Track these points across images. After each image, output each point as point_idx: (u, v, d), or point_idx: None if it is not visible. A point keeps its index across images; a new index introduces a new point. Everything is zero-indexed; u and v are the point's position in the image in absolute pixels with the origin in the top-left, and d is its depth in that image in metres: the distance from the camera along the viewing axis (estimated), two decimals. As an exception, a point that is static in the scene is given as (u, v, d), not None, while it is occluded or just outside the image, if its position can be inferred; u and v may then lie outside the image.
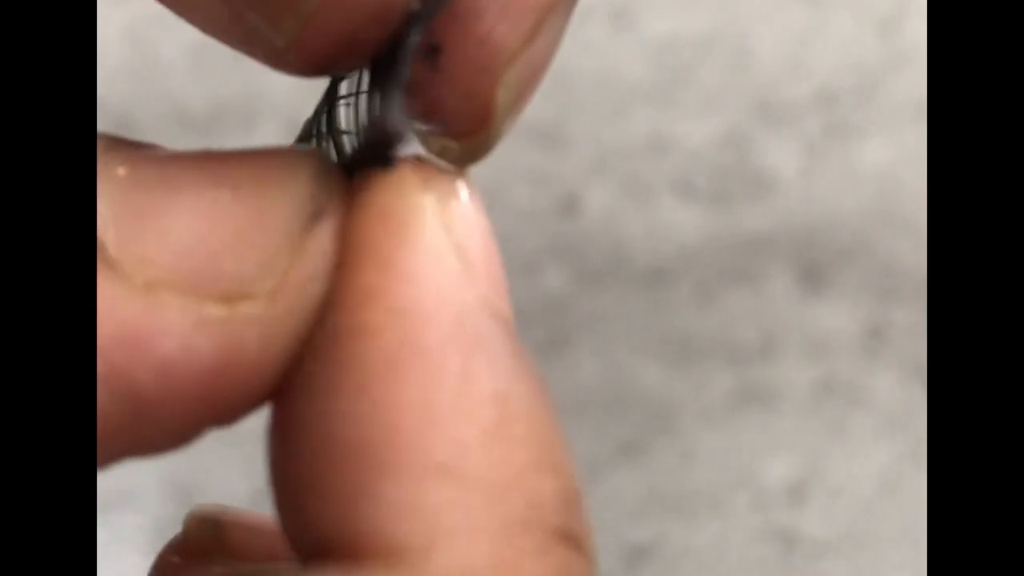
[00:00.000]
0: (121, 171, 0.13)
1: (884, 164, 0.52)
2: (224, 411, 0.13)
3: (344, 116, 0.15)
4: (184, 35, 0.51)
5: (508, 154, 0.51)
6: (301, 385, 0.13)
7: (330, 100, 0.15)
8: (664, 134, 0.51)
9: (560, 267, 0.51)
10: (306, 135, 0.16)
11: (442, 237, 0.13)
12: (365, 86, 0.14)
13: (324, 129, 0.15)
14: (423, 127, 0.14)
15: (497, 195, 0.50)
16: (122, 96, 0.49)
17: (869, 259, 0.52)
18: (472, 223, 0.14)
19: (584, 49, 0.51)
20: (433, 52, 0.13)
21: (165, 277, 0.13)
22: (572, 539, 0.13)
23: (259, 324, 0.13)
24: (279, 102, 0.50)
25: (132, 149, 0.14)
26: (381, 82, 0.14)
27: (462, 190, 0.14)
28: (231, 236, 0.13)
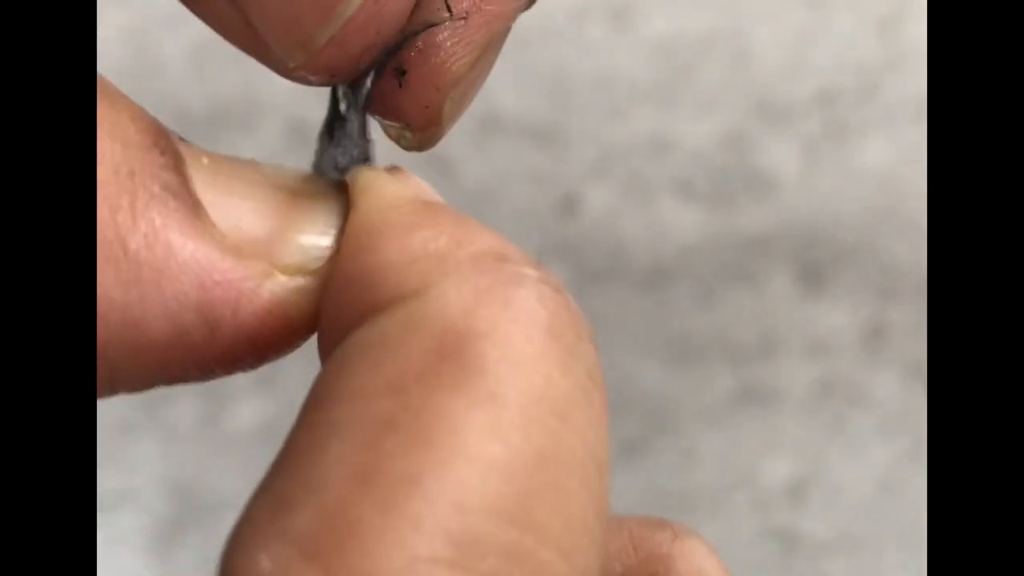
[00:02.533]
0: (205, 160, 0.18)
1: (884, 164, 0.52)
2: (270, 347, 0.18)
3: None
4: (184, 35, 0.51)
5: (508, 154, 0.51)
6: (327, 292, 0.18)
7: (333, 100, 0.20)
8: (664, 134, 0.52)
9: (560, 267, 0.51)
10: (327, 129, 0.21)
11: (402, 188, 0.18)
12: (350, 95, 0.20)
13: (330, 122, 0.20)
14: (388, 123, 0.20)
15: (497, 195, 0.50)
16: (122, 96, 0.49)
17: (869, 259, 0.52)
18: (421, 186, 0.19)
19: (584, 49, 0.51)
20: (401, 74, 0.19)
21: (247, 245, 0.18)
22: (547, 280, 0.17)
23: (307, 291, 0.18)
24: (279, 102, 0.50)
25: (198, 146, 0.18)
26: (361, 91, 0.19)
27: (411, 176, 0.19)
28: (292, 228, 0.18)
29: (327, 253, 0.18)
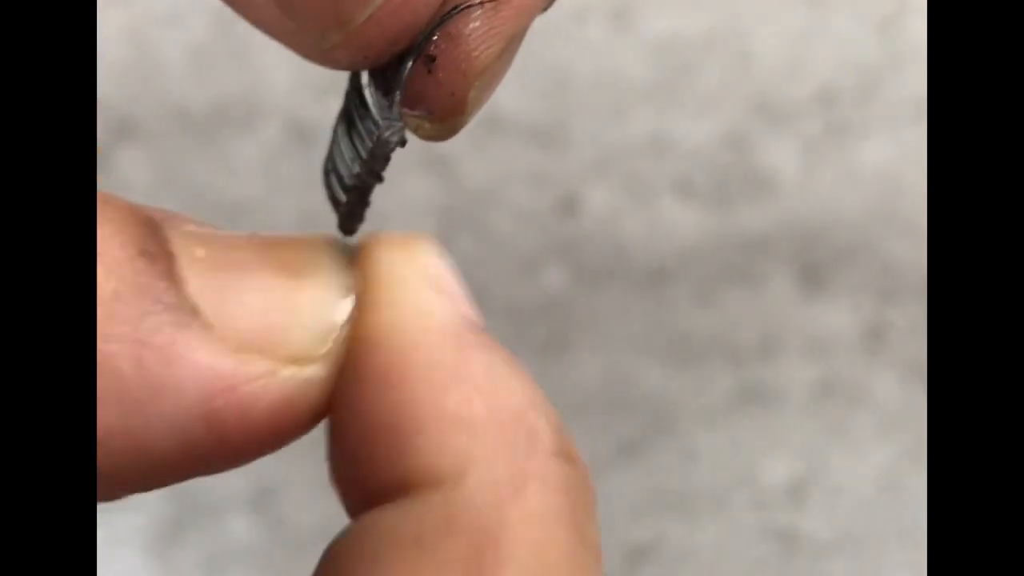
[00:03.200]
0: (200, 252, 0.17)
1: (884, 164, 0.52)
2: (281, 440, 0.18)
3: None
4: (184, 35, 0.51)
5: (508, 154, 0.51)
6: (342, 402, 0.18)
7: (355, 85, 0.20)
8: (664, 134, 0.52)
9: (560, 267, 0.51)
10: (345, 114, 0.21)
11: (416, 277, 0.18)
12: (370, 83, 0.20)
13: (352, 109, 0.20)
14: (408, 111, 0.20)
15: (497, 195, 0.50)
16: (122, 96, 0.49)
17: (869, 259, 0.52)
18: (434, 262, 0.18)
19: (584, 49, 0.51)
20: (430, 60, 0.19)
21: (247, 342, 0.17)
22: (566, 455, 0.17)
23: (316, 380, 0.18)
24: (279, 102, 0.50)
25: (196, 228, 0.18)
26: (391, 78, 0.19)
27: (421, 243, 0.19)
28: (293, 311, 0.18)
29: (334, 334, 0.18)
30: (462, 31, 0.19)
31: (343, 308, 0.18)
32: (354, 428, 0.17)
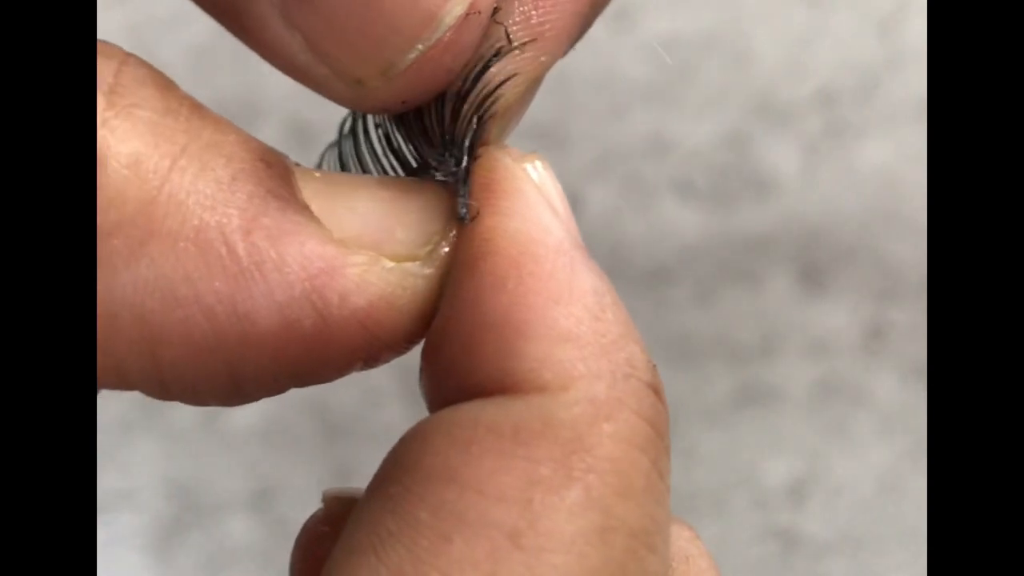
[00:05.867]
0: (317, 175, 0.19)
1: (884, 164, 0.52)
2: (382, 343, 0.19)
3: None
4: (184, 35, 0.51)
5: (508, 154, 0.51)
6: (446, 299, 0.19)
7: (358, 127, 0.21)
8: (664, 134, 0.52)
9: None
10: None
11: (532, 190, 0.19)
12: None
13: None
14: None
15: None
16: (122, 96, 0.49)
17: (869, 259, 0.52)
18: (549, 181, 0.20)
19: (584, 49, 0.51)
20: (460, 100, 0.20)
21: (353, 237, 0.18)
22: (656, 390, 0.19)
23: (415, 276, 0.19)
24: (279, 102, 0.50)
25: (318, 168, 0.19)
26: (418, 118, 0.20)
27: (538, 162, 0.20)
28: (397, 215, 0.19)
29: (437, 236, 0.19)
30: (490, 73, 0.20)
31: (446, 216, 0.19)
32: (461, 324, 0.18)
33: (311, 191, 0.18)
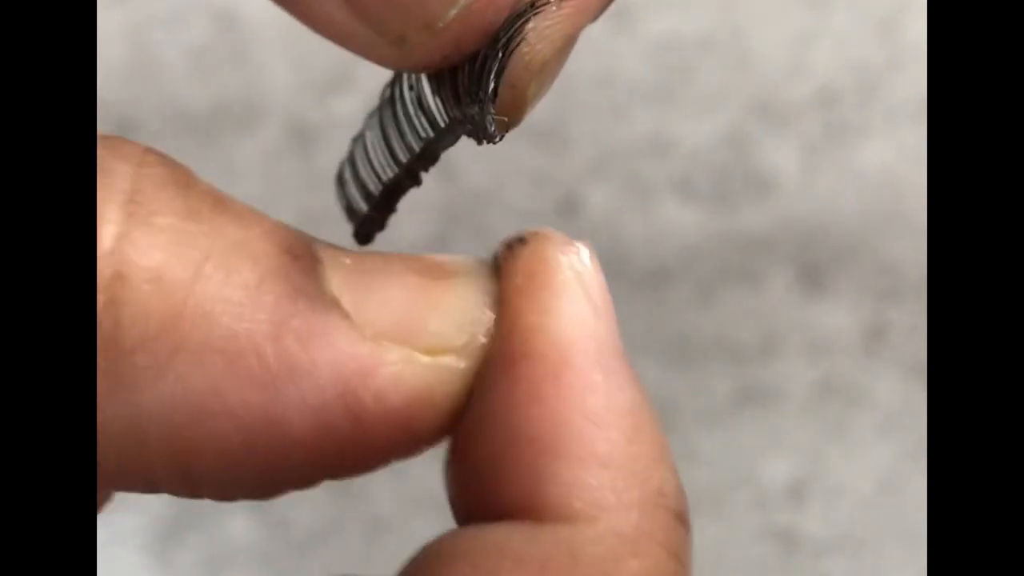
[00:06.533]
0: (347, 261, 0.18)
1: (884, 164, 0.52)
2: (418, 438, 0.18)
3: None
4: (184, 35, 0.51)
5: (508, 154, 0.51)
6: (479, 399, 0.18)
7: (399, 86, 0.20)
8: (664, 134, 0.52)
9: (560, 267, 0.51)
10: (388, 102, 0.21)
11: (578, 288, 0.18)
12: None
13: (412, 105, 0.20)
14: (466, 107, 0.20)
15: (497, 195, 0.50)
16: (122, 96, 0.49)
17: (869, 259, 0.52)
18: (594, 276, 0.19)
19: (584, 49, 0.51)
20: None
21: (386, 332, 0.18)
22: (684, 520, 0.18)
23: (452, 371, 0.18)
24: (279, 102, 0.50)
25: (346, 249, 0.19)
26: (458, 74, 0.19)
27: (584, 251, 0.19)
28: (432, 305, 0.18)
29: (473, 327, 0.18)
30: (526, 27, 0.19)
31: (483, 304, 0.18)
32: (493, 431, 0.18)
33: (340, 281, 0.18)
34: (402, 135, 0.21)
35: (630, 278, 0.51)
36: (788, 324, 0.51)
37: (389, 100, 0.21)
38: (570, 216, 0.51)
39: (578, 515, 0.17)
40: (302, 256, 0.18)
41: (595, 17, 0.20)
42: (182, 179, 0.17)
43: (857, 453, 0.52)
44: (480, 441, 0.18)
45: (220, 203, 0.17)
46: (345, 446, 0.17)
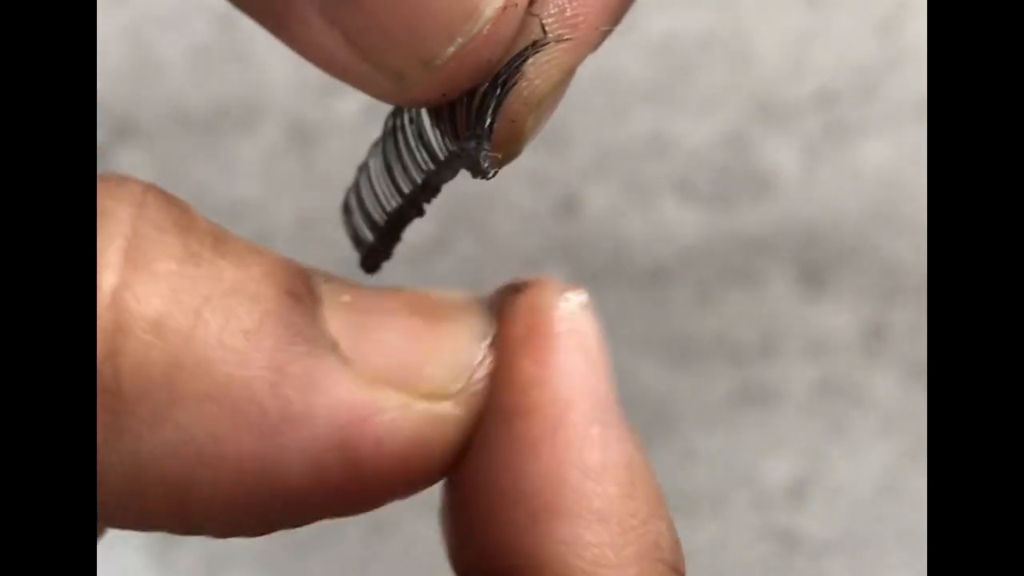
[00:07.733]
0: (345, 298, 0.18)
1: (884, 164, 0.52)
2: (414, 482, 0.18)
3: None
4: (184, 35, 0.51)
5: (508, 154, 0.51)
6: (477, 451, 0.18)
7: (401, 119, 0.21)
8: (664, 134, 0.52)
9: (560, 267, 0.51)
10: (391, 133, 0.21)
11: (575, 341, 0.18)
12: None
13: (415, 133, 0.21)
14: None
15: (497, 195, 0.50)
16: (122, 96, 0.49)
17: (869, 259, 0.52)
18: (591, 326, 0.19)
19: (584, 49, 0.51)
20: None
21: (383, 375, 0.17)
22: (678, 571, 0.18)
23: (448, 419, 0.18)
24: (279, 102, 0.50)
25: (344, 281, 0.19)
26: (457, 110, 0.20)
27: (579, 298, 0.19)
28: (429, 350, 0.18)
29: (470, 373, 0.18)
30: (525, 63, 0.19)
31: (480, 349, 0.18)
32: (491, 483, 0.18)
33: (339, 322, 0.18)
34: (404, 167, 0.21)
35: (630, 278, 0.51)
36: (788, 324, 0.51)
37: (391, 131, 0.21)
38: (570, 216, 0.51)
39: (577, 574, 0.17)
40: (301, 296, 0.18)
41: (593, 50, 0.20)
42: (182, 220, 0.17)
43: (857, 453, 0.52)
44: (478, 494, 0.18)
45: (220, 243, 0.17)
46: (341, 490, 0.18)
